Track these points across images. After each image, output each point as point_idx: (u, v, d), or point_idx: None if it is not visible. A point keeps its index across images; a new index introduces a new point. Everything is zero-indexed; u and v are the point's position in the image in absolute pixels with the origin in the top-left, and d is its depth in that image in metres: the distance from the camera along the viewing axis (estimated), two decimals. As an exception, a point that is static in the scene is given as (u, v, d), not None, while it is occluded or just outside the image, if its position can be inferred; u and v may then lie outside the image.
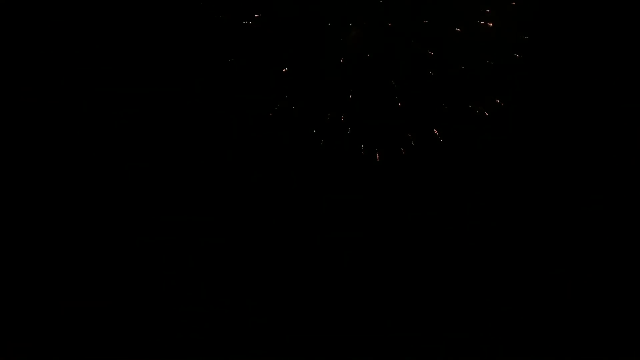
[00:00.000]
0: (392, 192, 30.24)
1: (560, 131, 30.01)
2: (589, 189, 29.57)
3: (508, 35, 28.96)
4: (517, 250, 29.81)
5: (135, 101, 29.60)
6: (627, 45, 29.46)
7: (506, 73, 29.33)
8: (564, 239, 29.62)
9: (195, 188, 30.21)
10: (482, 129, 29.53)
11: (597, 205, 29.49)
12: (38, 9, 29.37)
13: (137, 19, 29.74)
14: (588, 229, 29.47)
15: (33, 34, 29.42)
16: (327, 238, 30.05)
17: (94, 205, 29.75)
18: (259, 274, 29.96)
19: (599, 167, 29.60)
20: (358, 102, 29.07)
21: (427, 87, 29.12)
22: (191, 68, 29.80)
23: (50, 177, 29.43)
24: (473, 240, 29.89)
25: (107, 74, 29.53)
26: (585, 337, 28.50)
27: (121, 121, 29.67)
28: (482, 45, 28.97)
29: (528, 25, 29.06)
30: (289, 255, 29.96)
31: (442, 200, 30.15)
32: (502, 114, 29.43)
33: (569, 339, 28.71)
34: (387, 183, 30.13)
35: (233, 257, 30.00)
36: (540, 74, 29.85)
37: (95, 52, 29.66)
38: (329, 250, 30.01)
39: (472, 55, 28.99)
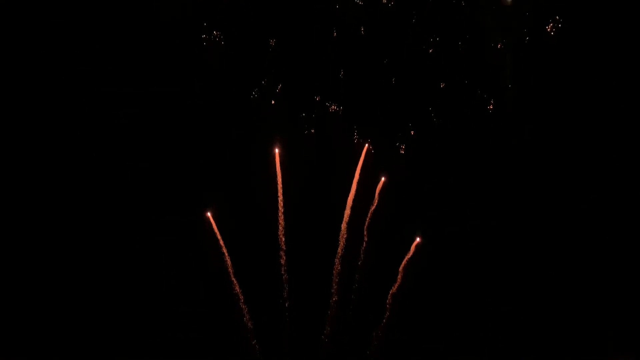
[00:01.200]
0: (391, 192, 30.17)
1: (559, 132, 29.93)
2: (588, 189, 29.51)
3: (506, 37, 28.73)
4: (517, 250, 29.74)
5: (135, 101, 29.63)
6: (629, 51, 29.37)
7: (506, 74, 29.14)
8: (564, 239, 29.55)
9: (195, 188, 30.22)
10: (479, 129, 29.39)
11: (596, 205, 29.42)
12: (38, 9, 29.40)
13: (136, 19, 29.74)
14: (588, 228, 29.39)
15: (33, 34, 29.43)
16: (325, 238, 30.04)
17: (94, 205, 29.80)
18: (258, 274, 29.96)
19: (598, 167, 29.52)
20: (351, 84, 28.43)
21: (425, 85, 28.87)
22: (189, 68, 29.80)
23: (50, 177, 29.50)
24: (473, 240, 29.83)
25: (107, 74, 29.55)
26: (585, 337, 28.45)
27: (121, 121, 29.70)
28: (480, 46, 28.71)
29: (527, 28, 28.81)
30: (288, 256, 29.94)
31: (442, 201, 30.09)
32: (500, 114, 29.30)
33: (568, 339, 28.68)
34: (386, 183, 30.07)
35: (233, 257, 30.01)
36: (539, 76, 29.68)
37: (95, 52, 29.68)
38: (327, 250, 29.99)
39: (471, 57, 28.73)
